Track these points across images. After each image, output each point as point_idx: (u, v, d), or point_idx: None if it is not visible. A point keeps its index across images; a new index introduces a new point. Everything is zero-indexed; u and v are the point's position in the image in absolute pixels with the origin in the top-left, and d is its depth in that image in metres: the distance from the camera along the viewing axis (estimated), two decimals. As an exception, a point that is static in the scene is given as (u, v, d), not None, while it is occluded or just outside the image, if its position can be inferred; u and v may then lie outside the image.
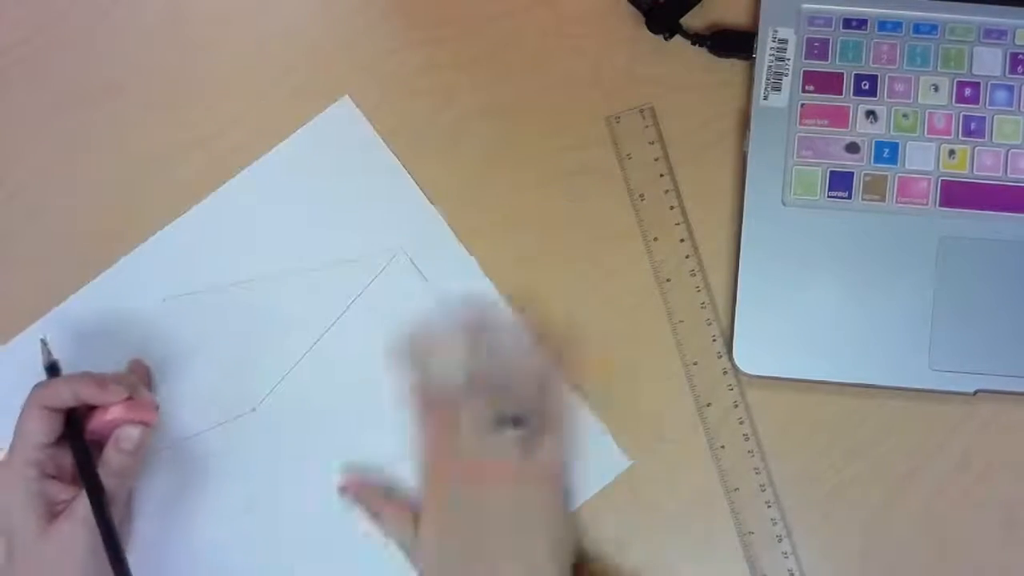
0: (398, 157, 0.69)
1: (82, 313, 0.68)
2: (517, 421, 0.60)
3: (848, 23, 0.67)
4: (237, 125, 0.70)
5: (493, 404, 0.61)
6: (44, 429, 0.60)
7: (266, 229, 0.69)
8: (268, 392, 0.67)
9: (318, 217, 0.68)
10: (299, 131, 0.69)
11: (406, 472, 0.64)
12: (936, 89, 0.66)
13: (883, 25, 0.67)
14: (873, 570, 0.64)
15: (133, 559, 0.59)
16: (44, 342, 0.64)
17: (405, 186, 0.68)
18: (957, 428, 0.65)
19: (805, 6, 0.67)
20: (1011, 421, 0.65)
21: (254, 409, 0.67)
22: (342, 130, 0.69)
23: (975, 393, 0.64)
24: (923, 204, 0.65)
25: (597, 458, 0.65)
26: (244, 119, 0.70)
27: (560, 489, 0.61)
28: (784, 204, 0.66)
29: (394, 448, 0.64)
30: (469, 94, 0.70)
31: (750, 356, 0.65)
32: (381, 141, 0.69)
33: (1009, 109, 0.66)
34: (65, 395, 0.60)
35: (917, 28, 0.67)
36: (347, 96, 0.69)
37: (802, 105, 0.67)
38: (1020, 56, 0.66)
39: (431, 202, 0.68)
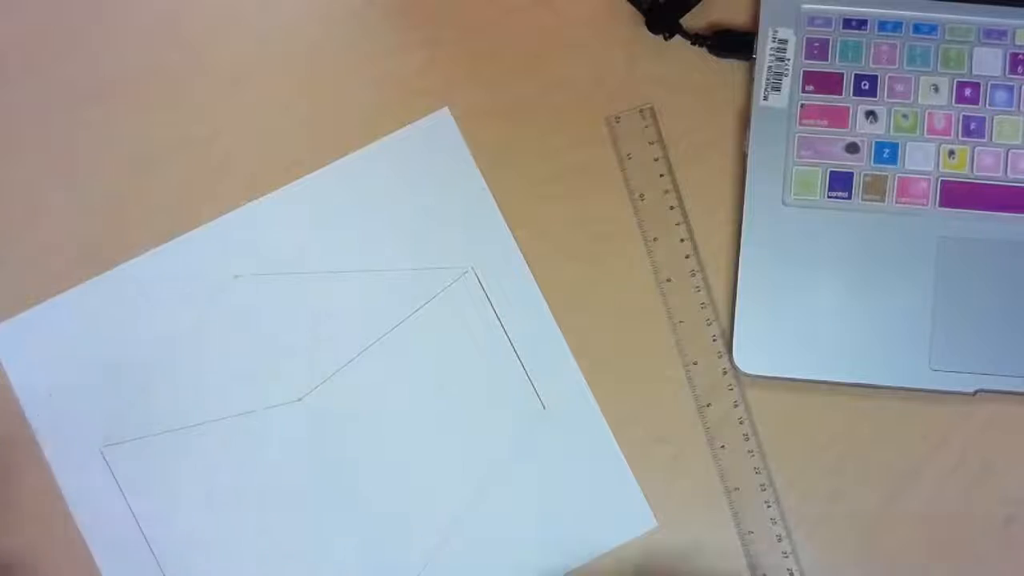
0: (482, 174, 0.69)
1: (154, 273, 0.68)
2: None
3: (848, 23, 0.67)
4: (236, 125, 0.70)
5: None
6: None
7: (345, 223, 0.69)
8: (316, 385, 0.67)
9: (397, 222, 0.68)
10: (394, 134, 0.69)
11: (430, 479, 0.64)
12: (936, 89, 0.66)
13: (883, 25, 0.67)
14: (873, 570, 0.64)
15: (162, 523, 0.59)
16: None
17: (486, 206, 0.68)
18: (957, 428, 0.65)
19: (805, 6, 0.67)
20: (1011, 421, 0.65)
21: (300, 399, 0.67)
22: (436, 141, 0.69)
23: (975, 393, 0.64)
24: (923, 204, 0.65)
25: (623, 512, 0.65)
26: (243, 119, 0.70)
27: None
28: (784, 204, 0.66)
29: (431, 458, 0.66)
30: (469, 94, 0.70)
31: (750, 356, 0.65)
32: (471, 159, 0.68)
33: (1009, 109, 0.66)
34: None
35: (917, 28, 0.67)
36: (446, 108, 0.69)
37: (802, 105, 0.67)
38: (1020, 56, 0.66)
39: (509, 227, 0.68)
